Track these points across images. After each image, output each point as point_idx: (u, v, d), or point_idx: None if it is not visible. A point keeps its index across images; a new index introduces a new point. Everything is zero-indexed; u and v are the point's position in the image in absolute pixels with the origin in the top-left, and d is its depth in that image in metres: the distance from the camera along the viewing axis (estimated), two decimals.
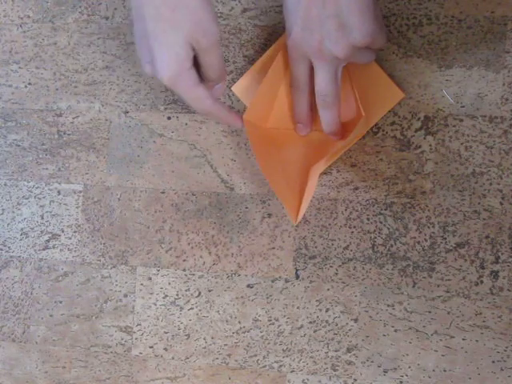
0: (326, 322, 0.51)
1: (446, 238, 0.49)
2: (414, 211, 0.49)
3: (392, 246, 0.50)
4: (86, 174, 0.55)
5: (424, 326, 0.49)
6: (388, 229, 0.50)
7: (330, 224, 0.51)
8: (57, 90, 0.56)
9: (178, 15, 0.41)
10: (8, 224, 0.57)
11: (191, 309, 0.53)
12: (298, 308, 0.51)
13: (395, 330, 0.50)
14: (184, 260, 0.53)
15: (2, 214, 0.57)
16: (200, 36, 0.42)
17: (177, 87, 0.43)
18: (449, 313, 0.49)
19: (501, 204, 0.48)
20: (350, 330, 0.51)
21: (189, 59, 0.42)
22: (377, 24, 0.43)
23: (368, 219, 0.50)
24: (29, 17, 0.56)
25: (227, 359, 0.53)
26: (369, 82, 0.49)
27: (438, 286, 0.49)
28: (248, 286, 0.52)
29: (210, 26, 0.42)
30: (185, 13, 0.41)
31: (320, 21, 0.42)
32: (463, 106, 0.49)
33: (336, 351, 0.51)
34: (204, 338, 0.53)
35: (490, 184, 0.48)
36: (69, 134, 0.56)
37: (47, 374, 0.56)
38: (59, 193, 0.56)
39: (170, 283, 0.54)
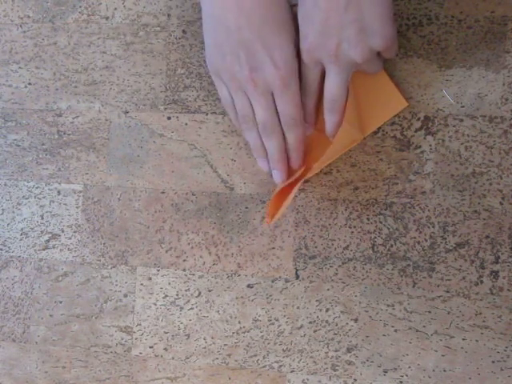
0: (326, 322, 0.51)
1: (445, 238, 0.49)
2: (413, 211, 0.49)
3: (392, 245, 0.50)
4: (86, 174, 0.55)
5: (424, 326, 0.49)
6: (388, 229, 0.50)
7: (329, 224, 0.51)
8: (57, 90, 0.56)
9: (280, 17, 0.43)
10: (8, 224, 0.57)
11: (191, 309, 0.53)
12: (298, 308, 0.51)
13: (395, 330, 0.50)
14: (184, 260, 0.53)
15: (2, 214, 0.57)
16: (297, 37, 0.45)
17: (287, 87, 0.44)
18: (449, 313, 0.49)
19: (501, 204, 0.48)
20: (350, 330, 0.51)
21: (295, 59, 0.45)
22: (395, 29, 0.44)
23: (368, 219, 0.50)
24: (29, 17, 0.56)
25: (227, 359, 0.53)
26: (374, 87, 0.49)
27: (438, 285, 0.49)
28: (248, 286, 0.52)
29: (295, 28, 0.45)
30: (285, 16, 0.44)
31: (340, 26, 0.42)
32: (463, 106, 0.49)
33: (336, 351, 0.51)
34: (204, 338, 0.53)
35: (490, 184, 0.48)
36: (69, 134, 0.56)
37: (47, 374, 0.56)
38: (59, 193, 0.56)
39: (170, 283, 0.54)
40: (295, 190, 0.47)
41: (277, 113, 0.46)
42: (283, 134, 0.47)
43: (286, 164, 0.49)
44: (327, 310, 0.51)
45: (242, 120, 0.48)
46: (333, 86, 0.45)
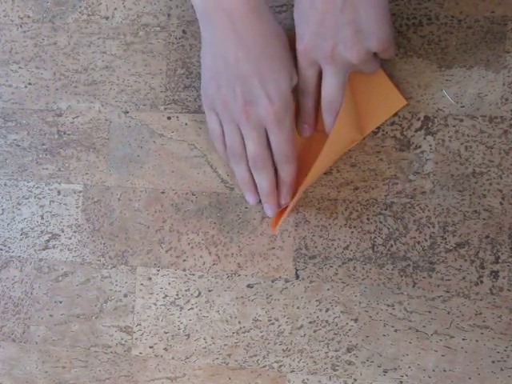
0: (326, 321, 0.51)
1: (445, 238, 0.49)
2: (413, 211, 0.49)
3: (392, 245, 0.50)
4: (86, 174, 0.55)
5: (424, 326, 0.49)
6: (388, 229, 0.50)
7: (329, 224, 0.51)
8: (57, 90, 0.56)
9: (279, 52, 0.43)
10: (8, 224, 0.57)
11: (191, 309, 0.53)
12: (298, 308, 0.51)
13: (395, 330, 0.50)
14: (184, 260, 0.53)
15: (2, 214, 0.57)
16: (294, 73, 0.45)
17: (280, 123, 0.44)
18: (449, 313, 0.49)
19: (501, 204, 0.48)
20: (349, 330, 0.51)
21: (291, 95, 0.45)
22: (392, 31, 0.44)
23: (368, 219, 0.50)
24: (29, 17, 0.56)
25: (227, 359, 0.53)
26: (372, 87, 0.49)
27: (438, 285, 0.49)
28: (248, 286, 0.52)
29: (294, 66, 0.45)
30: (283, 51, 0.44)
31: (336, 27, 0.42)
32: (463, 106, 0.49)
33: (336, 351, 0.51)
34: (204, 338, 0.53)
35: (490, 184, 0.48)
36: (69, 134, 0.56)
37: (47, 373, 0.56)
38: (59, 193, 0.56)
39: (170, 283, 0.54)
40: (296, 198, 0.47)
41: (269, 147, 0.46)
42: (274, 168, 0.47)
43: (276, 198, 0.48)
44: (327, 310, 0.51)
45: (231, 153, 0.47)
46: (330, 87, 0.45)
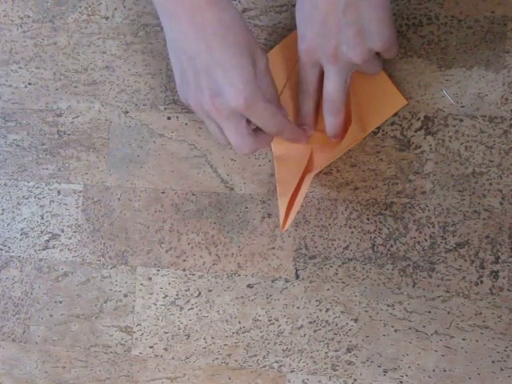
0: (326, 321, 0.51)
1: (445, 238, 0.49)
2: (413, 211, 0.49)
3: (392, 245, 0.50)
4: (86, 173, 0.55)
5: (424, 326, 0.49)
6: (388, 229, 0.50)
7: (329, 224, 0.51)
8: (57, 90, 0.56)
9: (241, 38, 0.41)
10: (8, 224, 0.57)
11: (191, 309, 0.53)
12: (298, 308, 0.51)
13: (395, 330, 0.50)
14: (184, 260, 0.53)
15: (2, 214, 0.57)
16: (259, 56, 0.43)
17: (253, 107, 0.42)
18: (449, 313, 0.49)
19: (501, 204, 0.48)
20: (349, 330, 0.51)
21: (257, 79, 0.42)
22: (394, 30, 0.44)
23: (368, 219, 0.50)
24: (29, 17, 0.56)
25: (227, 359, 0.53)
26: (373, 86, 0.49)
27: (438, 285, 0.49)
28: (248, 286, 0.52)
29: (260, 47, 0.43)
30: (244, 38, 0.42)
31: (338, 27, 0.42)
32: (463, 106, 0.49)
33: (336, 351, 0.51)
34: (204, 338, 0.53)
35: (490, 184, 0.48)
36: (69, 134, 0.56)
37: (47, 374, 0.56)
38: (59, 193, 0.56)
39: (170, 283, 0.54)
40: (302, 195, 0.47)
41: (250, 132, 0.44)
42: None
43: None
44: (327, 310, 0.51)
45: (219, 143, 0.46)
46: (332, 87, 0.45)
